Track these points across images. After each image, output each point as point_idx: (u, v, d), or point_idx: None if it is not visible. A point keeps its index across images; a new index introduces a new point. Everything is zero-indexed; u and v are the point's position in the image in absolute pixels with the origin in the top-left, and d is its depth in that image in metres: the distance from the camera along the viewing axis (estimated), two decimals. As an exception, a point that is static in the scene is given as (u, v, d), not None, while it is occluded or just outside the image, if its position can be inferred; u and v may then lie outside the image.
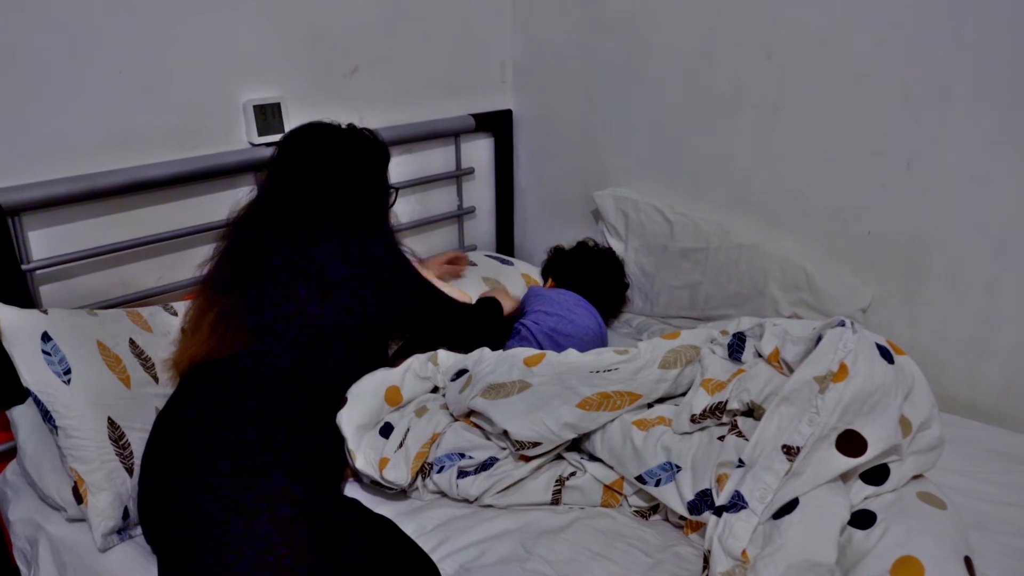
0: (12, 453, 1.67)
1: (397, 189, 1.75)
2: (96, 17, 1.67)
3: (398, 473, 1.50)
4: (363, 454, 1.51)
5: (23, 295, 1.64)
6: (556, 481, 1.53)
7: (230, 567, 1.22)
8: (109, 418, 1.51)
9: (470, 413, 1.60)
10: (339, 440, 1.53)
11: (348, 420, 1.54)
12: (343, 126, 1.67)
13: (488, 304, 1.92)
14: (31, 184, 1.63)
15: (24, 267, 1.64)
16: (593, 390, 1.51)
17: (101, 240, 1.77)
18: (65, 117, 1.68)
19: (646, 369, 1.55)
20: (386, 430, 1.59)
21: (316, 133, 1.64)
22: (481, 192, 2.59)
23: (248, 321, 1.51)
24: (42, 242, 1.70)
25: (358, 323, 1.57)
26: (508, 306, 1.98)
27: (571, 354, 1.59)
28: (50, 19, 1.62)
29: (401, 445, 1.56)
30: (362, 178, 1.64)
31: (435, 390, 1.73)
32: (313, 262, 1.53)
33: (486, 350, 1.68)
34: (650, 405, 1.57)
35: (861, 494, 1.27)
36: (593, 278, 2.17)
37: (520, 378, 1.53)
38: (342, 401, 1.57)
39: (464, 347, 1.72)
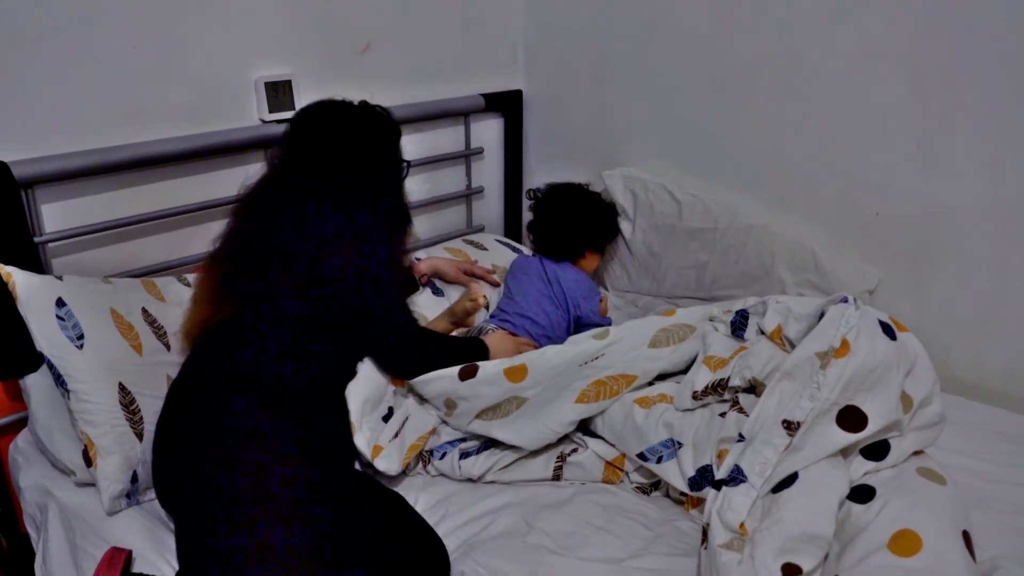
0: (23, 423, 1.70)
1: (409, 163, 1.74)
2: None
3: (389, 464, 1.51)
4: (363, 434, 1.51)
5: (36, 267, 1.66)
6: (558, 457, 1.55)
7: (243, 546, 1.23)
8: (120, 383, 1.53)
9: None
10: (345, 417, 1.54)
11: (355, 394, 1.55)
12: (355, 103, 1.67)
13: (471, 349, 1.71)
14: (45, 157, 1.64)
15: (37, 239, 1.67)
16: (587, 381, 1.52)
17: (113, 214, 1.79)
18: (79, 92, 1.70)
19: (635, 350, 1.55)
20: (389, 415, 1.59)
21: (328, 110, 1.63)
22: (490, 172, 2.59)
23: (243, 287, 1.51)
24: (55, 215, 1.72)
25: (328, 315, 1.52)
26: (505, 351, 1.73)
27: (550, 352, 1.55)
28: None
29: (397, 435, 1.56)
30: (373, 155, 1.63)
31: None
32: (311, 243, 1.51)
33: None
34: (651, 383, 1.58)
35: (861, 469, 1.28)
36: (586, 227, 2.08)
37: (512, 395, 1.53)
38: (348, 432, 1.54)
39: (403, 376, 1.64)
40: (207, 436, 1.36)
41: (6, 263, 1.56)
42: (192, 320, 1.56)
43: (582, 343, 1.55)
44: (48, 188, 1.69)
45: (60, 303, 1.54)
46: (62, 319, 1.52)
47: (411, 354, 1.61)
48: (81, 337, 1.53)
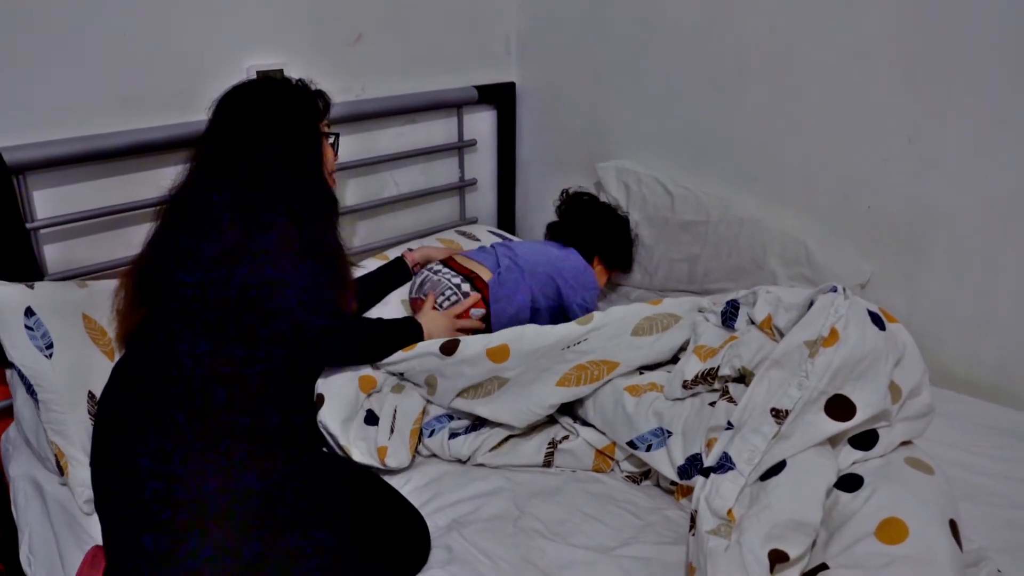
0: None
1: (337, 135, 1.68)
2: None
3: (399, 458, 1.51)
4: (357, 447, 1.50)
5: (27, 253, 1.66)
6: (549, 444, 1.55)
7: (193, 551, 1.22)
8: (90, 392, 1.53)
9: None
10: (296, 406, 1.49)
11: (331, 418, 1.52)
12: (268, 78, 1.63)
13: (403, 329, 1.66)
14: (36, 143, 1.64)
15: (29, 225, 1.67)
16: (568, 365, 1.53)
17: (105, 201, 1.78)
18: (70, 78, 1.70)
19: (618, 337, 1.55)
20: (371, 419, 1.57)
21: (233, 92, 1.57)
22: (483, 164, 2.59)
23: (164, 291, 1.44)
24: (47, 202, 1.72)
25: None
26: (440, 329, 1.70)
27: (530, 331, 1.55)
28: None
29: (393, 429, 1.56)
30: (283, 129, 1.54)
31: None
32: (219, 242, 1.42)
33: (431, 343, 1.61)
34: (641, 372, 1.58)
35: (849, 458, 1.28)
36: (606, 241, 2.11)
37: (494, 375, 1.53)
38: (318, 399, 1.53)
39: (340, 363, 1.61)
40: (142, 440, 1.31)
41: (-2, 248, 1.56)
42: (122, 327, 1.51)
43: (565, 327, 1.56)
44: (40, 175, 1.69)
45: (29, 312, 1.54)
46: (31, 328, 1.52)
47: (336, 342, 1.54)
48: (51, 346, 1.53)
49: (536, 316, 1.88)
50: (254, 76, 1.90)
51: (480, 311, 1.81)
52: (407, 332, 1.66)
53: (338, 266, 1.57)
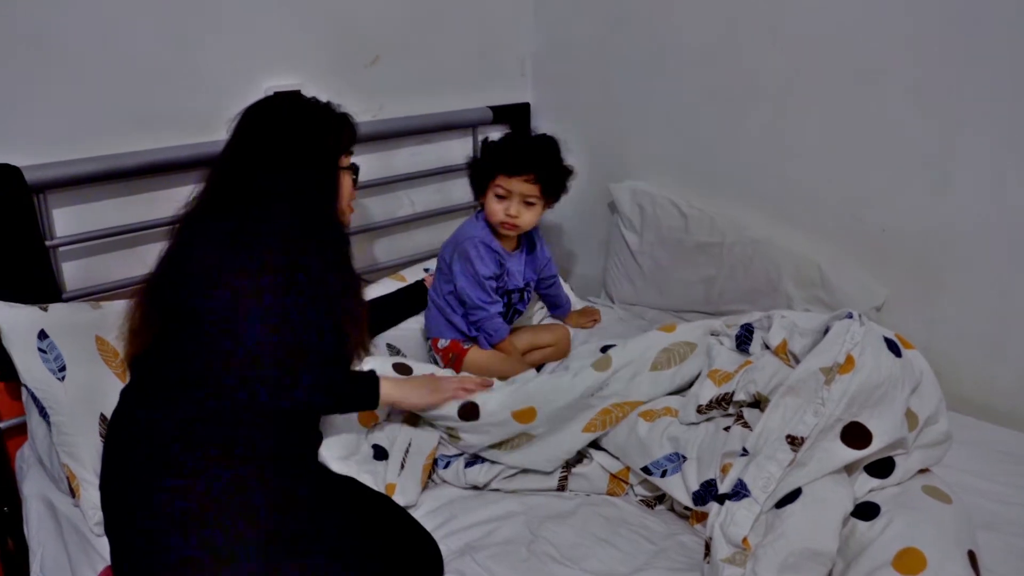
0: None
1: (357, 168, 1.62)
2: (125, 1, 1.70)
3: (408, 497, 1.49)
4: (363, 481, 1.48)
5: (46, 271, 1.67)
6: (563, 468, 1.55)
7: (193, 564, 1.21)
8: (102, 414, 1.53)
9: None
10: (297, 431, 1.43)
11: (330, 457, 1.51)
12: (294, 97, 1.55)
13: (364, 384, 1.50)
14: (57, 163, 1.66)
15: (48, 243, 1.68)
16: (593, 411, 1.53)
17: (123, 220, 1.80)
18: (90, 98, 1.71)
19: (639, 375, 1.55)
20: (379, 454, 1.56)
21: (253, 110, 1.51)
22: (498, 184, 2.60)
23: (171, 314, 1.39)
24: (66, 220, 1.73)
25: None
26: (418, 402, 1.56)
27: (549, 385, 1.54)
28: (76, 1, 1.64)
29: (403, 465, 1.54)
30: (300, 160, 1.47)
31: None
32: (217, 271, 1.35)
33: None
34: (655, 397, 1.58)
35: (866, 486, 1.27)
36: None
37: (522, 432, 1.52)
38: (317, 438, 1.50)
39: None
40: (149, 465, 1.30)
41: (18, 266, 1.57)
42: (131, 348, 1.46)
43: (587, 376, 1.53)
44: (60, 193, 1.70)
45: (42, 335, 1.55)
46: (44, 351, 1.53)
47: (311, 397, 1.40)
48: (63, 369, 1.54)
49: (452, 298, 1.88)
50: (266, 97, 1.92)
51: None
52: (363, 397, 1.50)
53: (340, 307, 1.46)
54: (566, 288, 2.29)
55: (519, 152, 1.80)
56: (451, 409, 1.54)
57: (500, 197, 1.81)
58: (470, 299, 1.83)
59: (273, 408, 1.33)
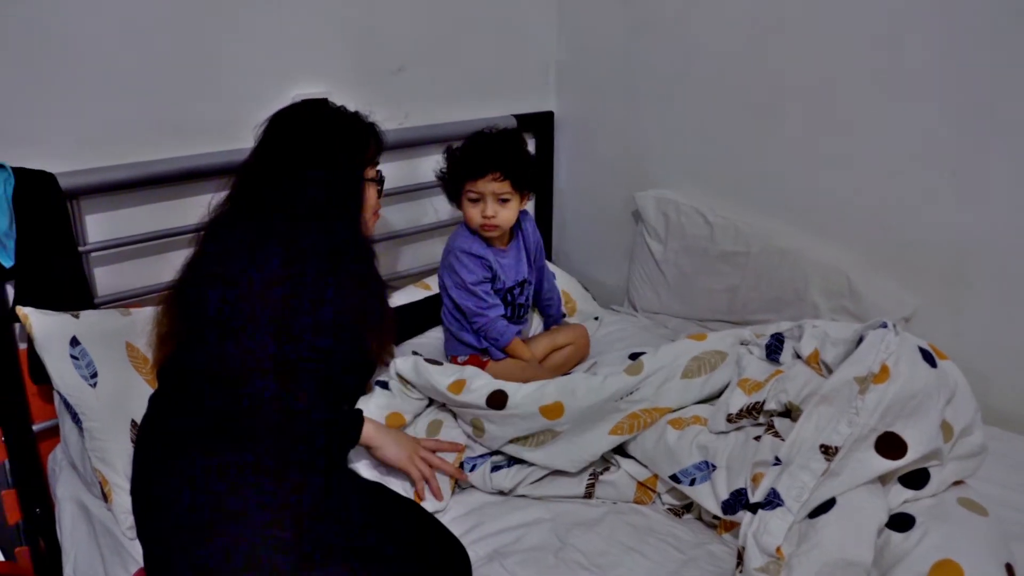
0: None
1: (382, 179, 1.63)
2: (153, 7, 1.72)
3: (435, 504, 1.50)
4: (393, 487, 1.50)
5: (79, 276, 1.69)
6: (590, 475, 1.55)
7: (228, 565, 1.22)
8: (133, 420, 1.55)
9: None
10: (326, 425, 1.44)
11: (360, 462, 1.53)
12: (335, 107, 1.56)
13: (349, 418, 1.49)
14: (90, 169, 1.68)
15: (81, 248, 1.70)
16: (622, 415, 1.52)
17: (153, 226, 1.82)
18: (122, 105, 1.74)
19: (669, 382, 1.54)
20: None
21: (281, 116, 1.53)
22: (521, 192, 2.60)
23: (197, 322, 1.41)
24: (99, 225, 1.75)
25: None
26: (395, 454, 1.50)
27: (581, 386, 1.53)
28: (108, 9, 1.67)
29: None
30: (326, 169, 1.49)
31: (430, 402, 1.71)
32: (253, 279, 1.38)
33: (479, 381, 1.58)
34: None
35: (900, 498, 1.26)
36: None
37: (547, 428, 1.52)
38: (346, 443, 1.49)
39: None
40: (177, 470, 1.32)
41: (52, 271, 1.60)
42: (159, 353, 1.49)
43: (617, 379, 1.53)
44: (92, 199, 1.72)
45: (74, 342, 1.57)
46: (76, 358, 1.55)
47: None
48: (95, 375, 1.56)
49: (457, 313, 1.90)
50: (294, 103, 1.93)
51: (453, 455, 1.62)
52: (345, 432, 1.48)
53: (361, 320, 1.51)
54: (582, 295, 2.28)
55: (480, 153, 1.80)
56: (479, 397, 1.55)
57: (473, 201, 1.82)
58: (468, 308, 1.85)
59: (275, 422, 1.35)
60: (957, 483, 1.31)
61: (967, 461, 1.33)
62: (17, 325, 1.63)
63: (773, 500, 1.24)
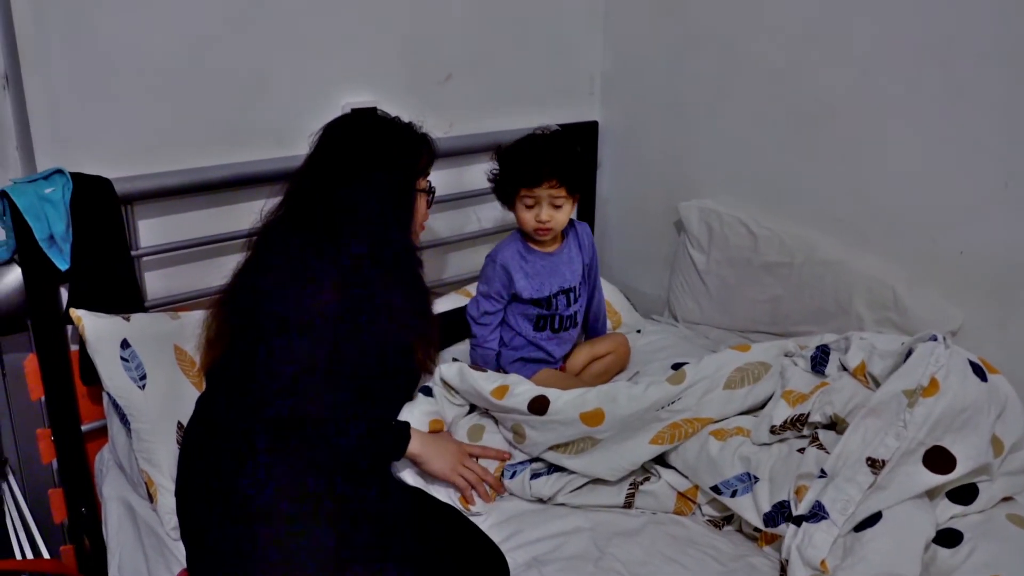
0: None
1: (432, 190, 1.65)
2: (208, 17, 1.77)
3: (479, 506, 1.52)
4: (435, 493, 1.52)
5: (131, 279, 1.74)
6: (630, 485, 1.54)
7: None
8: (179, 422, 1.58)
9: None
10: (373, 436, 1.46)
11: (402, 468, 1.54)
12: (389, 117, 1.58)
13: (395, 432, 1.51)
14: (145, 175, 1.73)
15: (134, 253, 1.75)
16: (663, 424, 1.51)
17: (204, 231, 1.86)
18: (176, 112, 1.78)
19: (711, 392, 1.54)
20: None
21: (335, 127, 1.56)
22: (563, 201, 2.61)
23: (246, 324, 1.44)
24: (151, 230, 1.80)
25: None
26: (433, 466, 1.52)
27: (623, 394, 1.52)
28: (164, 18, 1.72)
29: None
30: (378, 181, 1.51)
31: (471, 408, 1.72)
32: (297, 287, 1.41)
33: (518, 388, 1.59)
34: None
35: (948, 513, 1.25)
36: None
37: (587, 435, 1.52)
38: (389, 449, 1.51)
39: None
40: (223, 473, 1.34)
41: (106, 274, 1.64)
42: (207, 357, 1.53)
43: (659, 388, 1.53)
44: (145, 205, 1.77)
45: (125, 344, 1.61)
46: (126, 360, 1.59)
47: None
48: (144, 377, 1.59)
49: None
50: (349, 113, 1.97)
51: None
52: (389, 445, 1.50)
53: (408, 330, 1.53)
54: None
55: (537, 159, 1.79)
56: (521, 401, 1.55)
57: (528, 206, 1.82)
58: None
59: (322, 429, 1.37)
60: (1006, 499, 1.29)
61: (1017, 476, 1.30)
62: (69, 327, 1.67)
63: (818, 513, 1.23)
